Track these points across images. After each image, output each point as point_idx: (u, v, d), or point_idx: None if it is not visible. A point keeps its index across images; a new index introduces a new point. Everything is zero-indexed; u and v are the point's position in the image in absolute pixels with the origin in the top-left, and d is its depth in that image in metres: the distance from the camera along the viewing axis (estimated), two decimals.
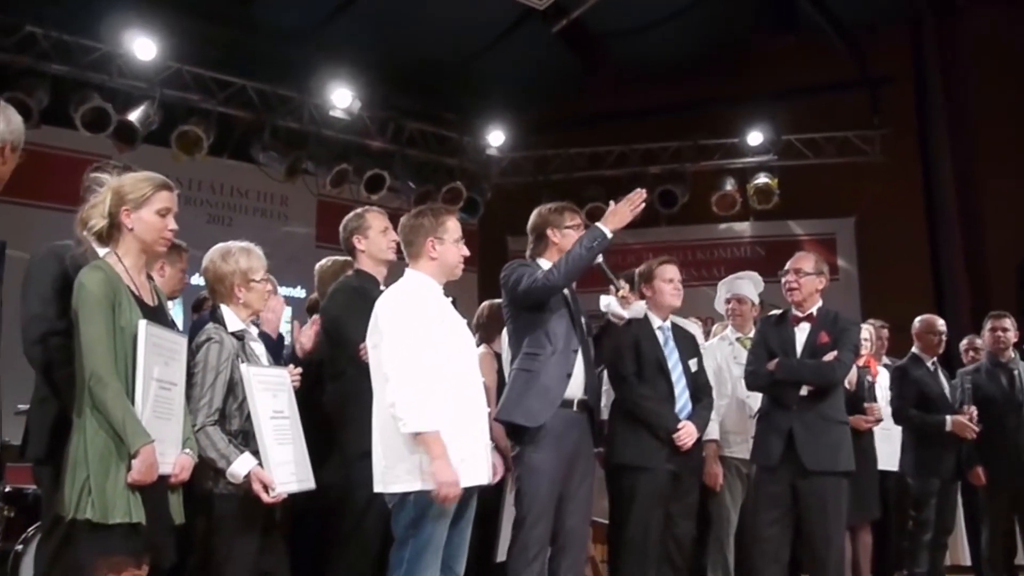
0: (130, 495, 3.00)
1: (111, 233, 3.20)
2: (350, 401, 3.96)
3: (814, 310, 4.84)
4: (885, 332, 6.88)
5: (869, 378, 5.71)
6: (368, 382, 3.63)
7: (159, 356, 3.20)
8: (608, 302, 4.29)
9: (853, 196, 9.89)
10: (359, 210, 4.40)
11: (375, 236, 4.27)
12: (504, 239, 10.49)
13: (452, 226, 3.75)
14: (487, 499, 3.95)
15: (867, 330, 6.08)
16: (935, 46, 10.13)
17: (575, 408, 4.17)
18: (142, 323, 3.13)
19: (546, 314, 4.15)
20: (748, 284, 5.89)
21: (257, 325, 3.96)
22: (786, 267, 4.89)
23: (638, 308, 4.38)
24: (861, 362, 5.60)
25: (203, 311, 4.69)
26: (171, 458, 3.19)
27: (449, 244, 3.72)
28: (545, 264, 4.32)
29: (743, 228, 10.73)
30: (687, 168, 10.43)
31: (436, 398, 3.43)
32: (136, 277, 3.22)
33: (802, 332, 4.82)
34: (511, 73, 10.06)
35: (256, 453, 3.48)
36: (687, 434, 4.57)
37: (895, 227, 9.82)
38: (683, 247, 10.60)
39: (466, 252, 3.79)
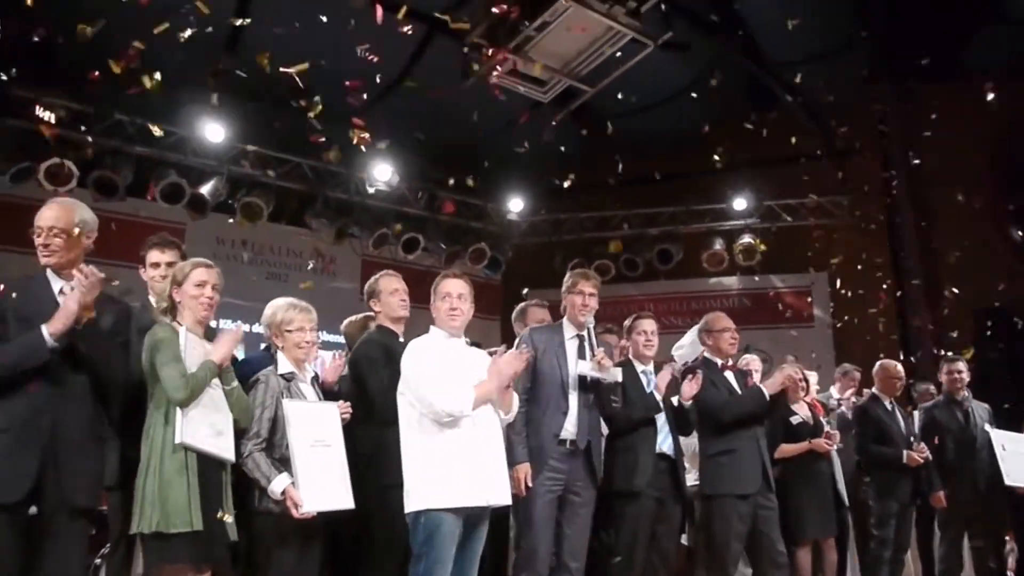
0: (191, 506, 3.14)
1: (173, 310, 3.47)
2: (377, 439, 4.03)
3: (729, 361, 5.08)
4: (857, 374, 6.94)
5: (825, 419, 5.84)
6: (394, 422, 3.74)
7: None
8: (584, 367, 4.34)
9: (826, 253, 9.88)
10: (376, 276, 4.46)
11: (386, 298, 4.34)
12: (523, 291, 10.59)
13: (440, 287, 3.83)
14: (496, 519, 3.99)
15: (814, 375, 6.19)
16: (897, 121, 10.18)
17: (568, 446, 4.24)
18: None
19: (539, 388, 4.24)
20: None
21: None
22: (729, 325, 5.07)
23: (615, 372, 4.42)
24: (809, 400, 5.72)
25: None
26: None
27: (436, 302, 3.83)
28: (566, 324, 4.50)
29: (731, 281, 10.77)
30: (681, 230, 10.56)
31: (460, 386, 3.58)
32: (194, 338, 3.41)
33: (730, 377, 5.01)
34: (528, 148, 10.21)
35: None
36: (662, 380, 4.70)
37: (864, 280, 9.80)
38: (678, 298, 10.69)
39: (453, 305, 3.79)
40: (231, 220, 8.90)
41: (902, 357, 8.34)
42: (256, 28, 8.03)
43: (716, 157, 9.02)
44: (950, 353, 6.56)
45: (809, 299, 10.42)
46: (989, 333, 8.83)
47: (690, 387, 4.72)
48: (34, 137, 7.68)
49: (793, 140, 9.85)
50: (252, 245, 9.38)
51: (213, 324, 3.73)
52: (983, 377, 6.99)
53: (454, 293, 3.81)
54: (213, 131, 8.39)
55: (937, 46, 9.45)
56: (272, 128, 8.94)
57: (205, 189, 8.56)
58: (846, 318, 9.93)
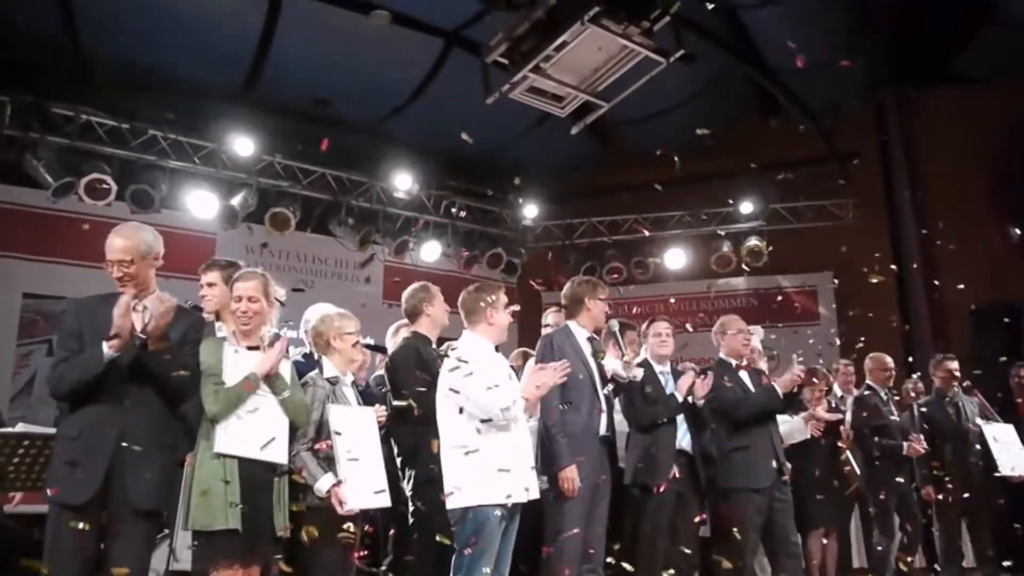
0: (227, 507, 3.27)
1: None
2: (412, 438, 4.17)
3: (744, 360, 5.16)
4: (851, 368, 7.00)
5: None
6: (428, 423, 3.87)
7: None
8: (614, 366, 4.49)
9: (830, 253, 9.93)
10: (422, 283, 4.60)
11: (439, 304, 4.50)
12: (539, 294, 10.70)
13: (503, 297, 4.02)
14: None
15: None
16: (897, 125, 10.24)
17: (599, 442, 4.35)
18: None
19: (573, 391, 4.29)
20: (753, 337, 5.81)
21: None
22: (743, 327, 5.16)
23: (638, 372, 4.61)
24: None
25: None
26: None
27: (502, 312, 3.99)
28: (576, 328, 4.55)
29: (738, 282, 10.77)
30: (690, 233, 10.64)
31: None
32: (239, 341, 3.58)
33: (744, 376, 5.10)
34: (541, 156, 10.31)
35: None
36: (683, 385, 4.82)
37: (867, 279, 9.85)
38: (688, 299, 10.76)
39: (511, 318, 4.03)
40: (260, 229, 9.01)
41: (905, 354, 8.44)
42: (281, 44, 8.20)
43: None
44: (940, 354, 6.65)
45: (815, 299, 10.48)
46: (988, 331, 8.88)
47: (701, 387, 4.85)
48: (74, 153, 7.86)
49: (796, 146, 9.99)
50: (280, 253, 9.45)
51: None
52: (981, 374, 7.06)
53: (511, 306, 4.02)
54: (243, 144, 8.50)
55: (936, 51, 9.54)
56: (298, 140, 9.12)
57: (235, 200, 8.65)
58: (851, 316, 9.99)
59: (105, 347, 3.16)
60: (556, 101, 5.66)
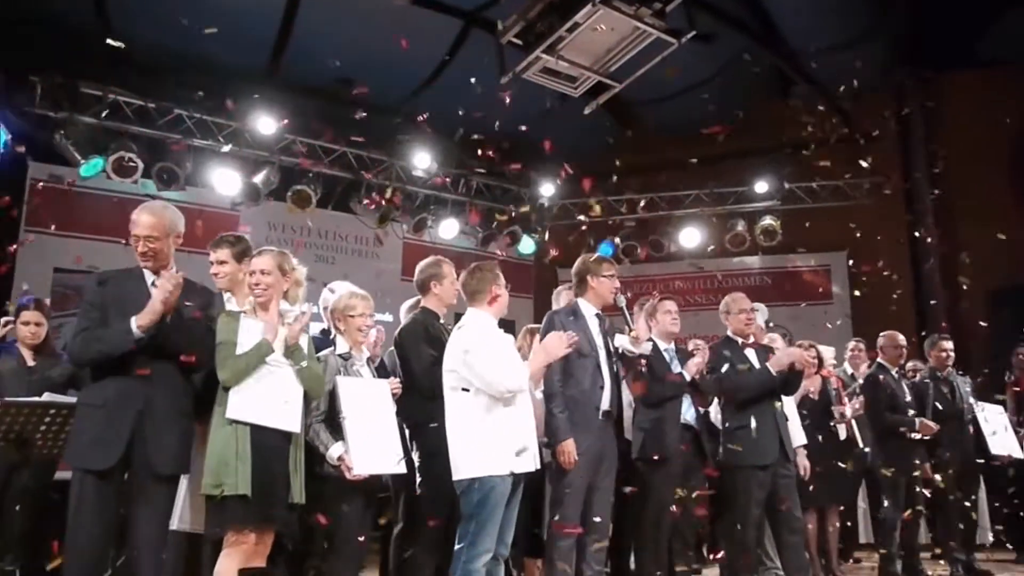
0: (238, 473, 3.35)
1: None
2: (419, 411, 4.20)
3: (751, 338, 5.16)
4: (862, 345, 6.98)
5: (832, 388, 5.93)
6: (434, 396, 3.95)
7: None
8: (622, 341, 4.51)
9: (845, 233, 9.86)
10: (437, 258, 4.59)
11: (448, 284, 4.48)
12: (555, 271, 10.73)
13: (502, 278, 4.08)
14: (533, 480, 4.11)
15: (830, 350, 6.26)
16: (916, 107, 10.14)
17: (601, 416, 4.35)
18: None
19: (575, 365, 4.31)
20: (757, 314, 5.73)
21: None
22: (745, 307, 5.14)
23: (646, 347, 4.60)
24: (824, 374, 5.79)
25: None
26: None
27: (504, 289, 4.05)
28: (584, 305, 4.55)
29: (753, 261, 10.80)
30: (705, 212, 10.62)
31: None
32: (256, 314, 3.68)
33: (750, 354, 5.08)
34: (559, 134, 10.30)
35: None
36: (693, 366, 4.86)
37: (882, 259, 9.79)
38: (703, 277, 10.77)
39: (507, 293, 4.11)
40: (282, 206, 9.07)
41: (922, 334, 8.38)
42: (304, 25, 8.25)
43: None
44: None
45: (828, 278, 10.44)
46: (1006, 312, 8.80)
47: (695, 365, 4.90)
48: (103, 132, 7.98)
49: (812, 127, 9.89)
50: (302, 230, 9.55)
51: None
52: (996, 355, 7.03)
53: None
54: (265, 124, 8.59)
55: (957, 33, 9.40)
56: (319, 120, 9.17)
57: (258, 178, 8.76)
58: (864, 296, 9.92)
59: (134, 327, 3.27)
60: (570, 81, 5.70)
